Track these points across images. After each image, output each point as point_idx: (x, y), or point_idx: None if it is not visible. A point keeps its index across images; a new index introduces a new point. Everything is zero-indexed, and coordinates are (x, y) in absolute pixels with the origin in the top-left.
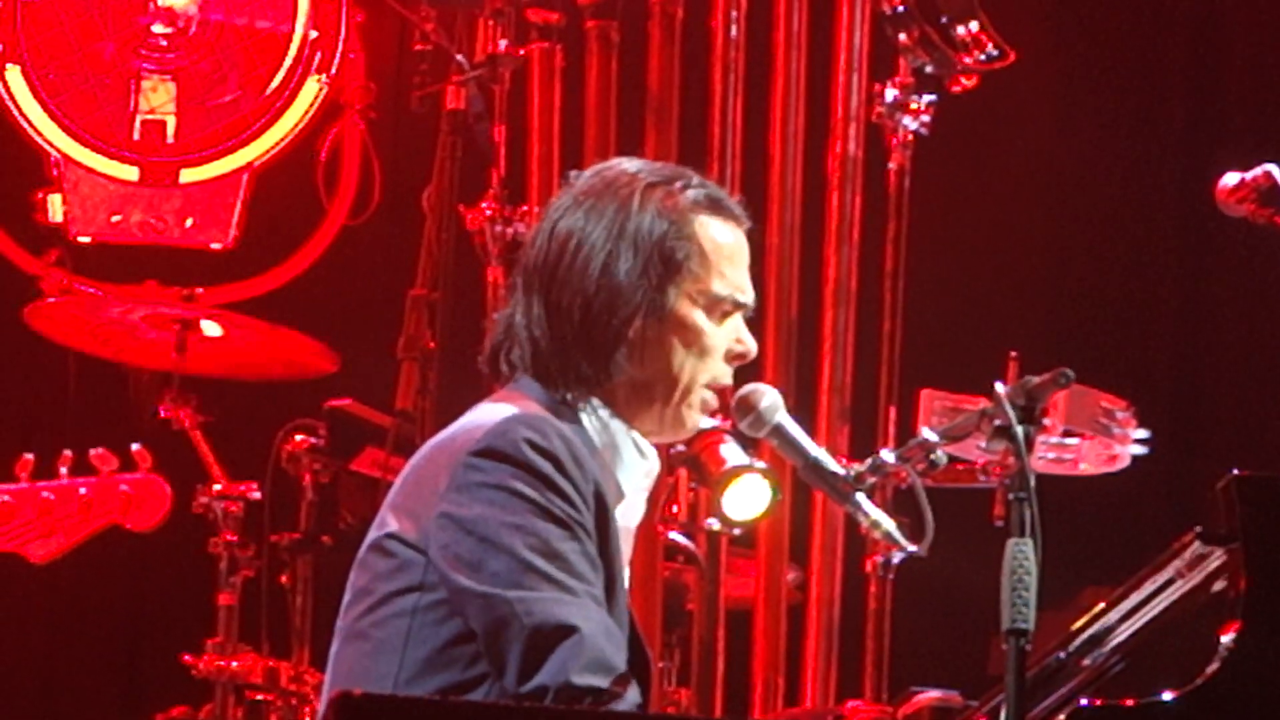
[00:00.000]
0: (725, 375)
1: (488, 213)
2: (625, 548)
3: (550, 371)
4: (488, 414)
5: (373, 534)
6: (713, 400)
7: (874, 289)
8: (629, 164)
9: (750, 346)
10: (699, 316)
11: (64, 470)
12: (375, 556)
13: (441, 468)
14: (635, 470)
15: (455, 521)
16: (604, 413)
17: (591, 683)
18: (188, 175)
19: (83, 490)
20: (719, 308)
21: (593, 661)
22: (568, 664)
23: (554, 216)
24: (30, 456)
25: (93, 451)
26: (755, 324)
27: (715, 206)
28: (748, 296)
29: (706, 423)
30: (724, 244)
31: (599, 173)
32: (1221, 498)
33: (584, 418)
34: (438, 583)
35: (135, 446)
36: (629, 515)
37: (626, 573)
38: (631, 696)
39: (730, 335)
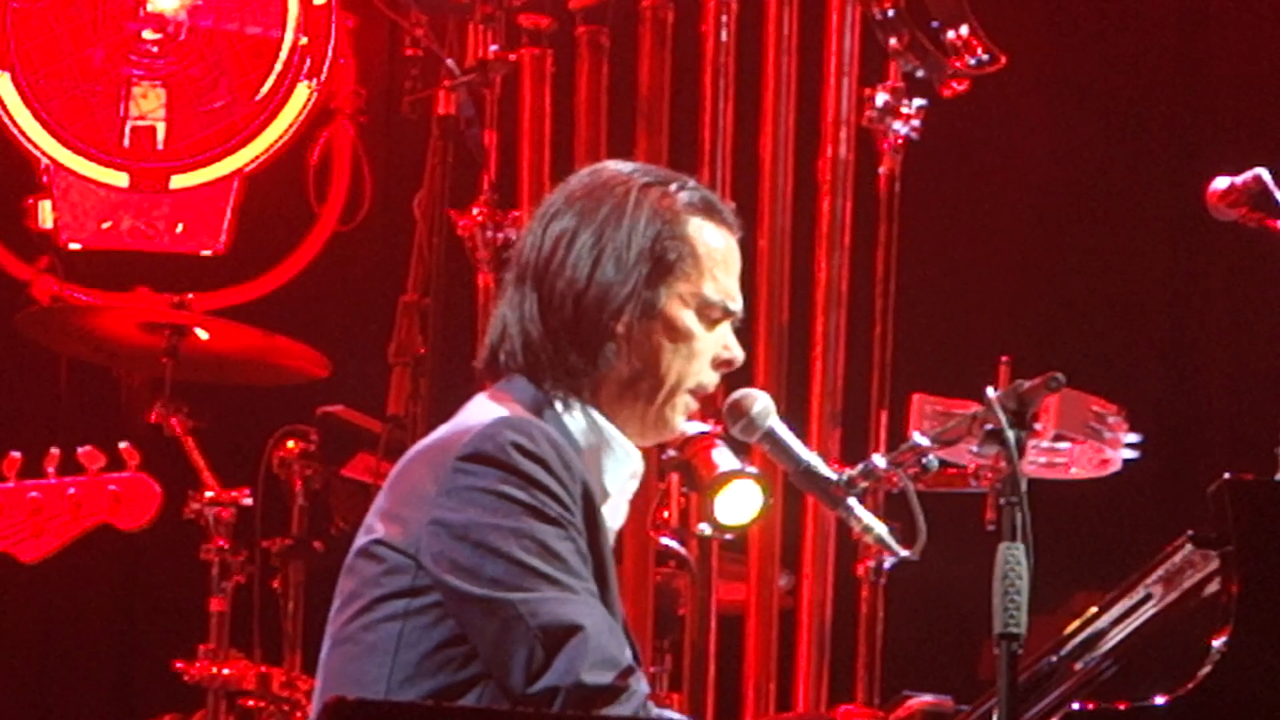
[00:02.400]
0: (711, 381)
1: (479, 218)
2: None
3: (540, 363)
4: (474, 416)
5: (360, 539)
6: (694, 405)
7: (865, 293)
8: (623, 165)
9: (737, 354)
10: (689, 318)
11: (51, 469)
12: (364, 562)
13: (428, 473)
14: (621, 471)
15: (448, 527)
16: (591, 412)
17: (601, 680)
18: (178, 181)
19: (71, 490)
20: (709, 313)
21: (601, 659)
22: (576, 663)
23: (548, 214)
24: (18, 455)
25: (80, 450)
26: (746, 328)
27: (709, 211)
28: (737, 304)
29: (698, 427)
30: (716, 249)
31: (593, 173)
32: (1213, 502)
33: (570, 418)
34: (429, 587)
35: (123, 445)
36: (614, 515)
37: (614, 569)
38: (641, 688)
39: (719, 342)
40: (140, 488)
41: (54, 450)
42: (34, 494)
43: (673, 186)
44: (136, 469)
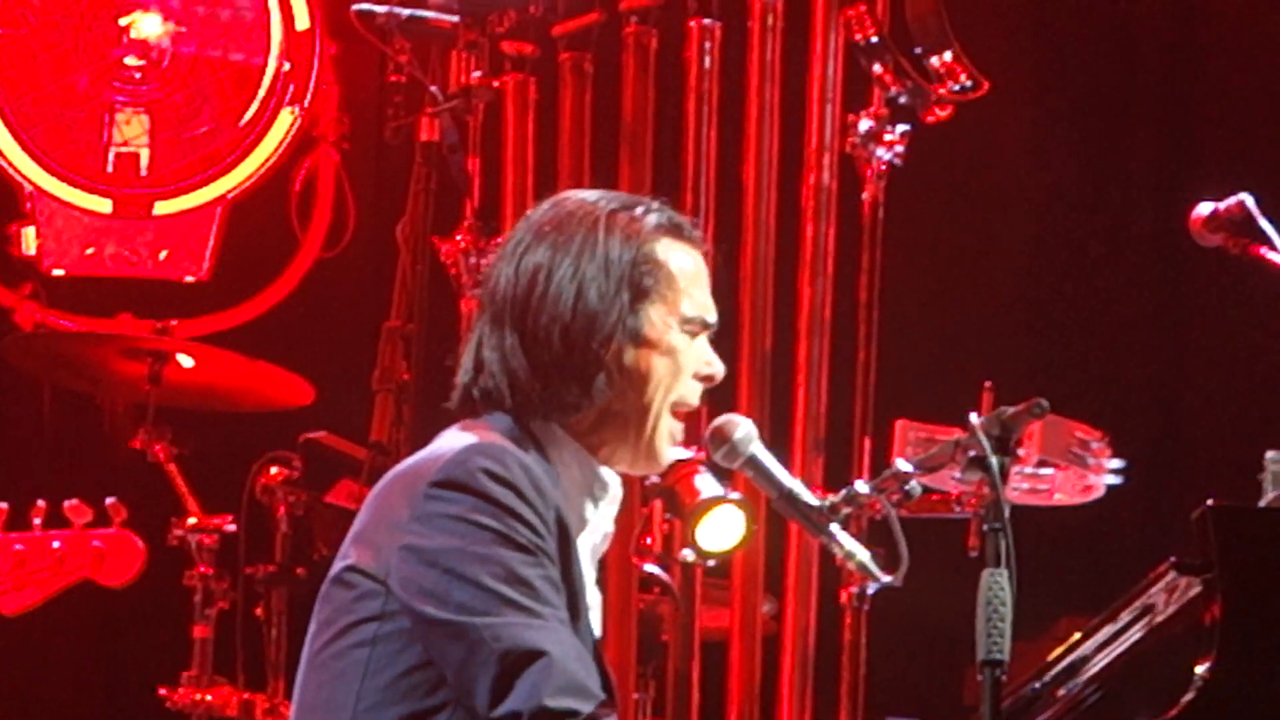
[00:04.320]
0: (693, 395)
1: (462, 244)
2: (590, 574)
3: (532, 401)
4: (447, 444)
5: (335, 566)
6: (679, 431)
7: (848, 319)
8: (584, 194)
9: (718, 367)
10: (673, 336)
11: (37, 521)
12: (337, 589)
13: (401, 499)
14: (599, 498)
15: (417, 553)
16: (568, 441)
17: (566, 705)
18: (161, 208)
19: (55, 544)
20: (689, 328)
21: (566, 684)
22: (540, 687)
23: (518, 251)
24: (4, 506)
25: (67, 503)
26: (730, 354)
27: (676, 231)
28: (714, 316)
29: (681, 454)
30: (688, 267)
31: (556, 204)
32: (1197, 528)
33: (548, 447)
34: (398, 612)
35: (109, 500)
36: (595, 543)
37: (594, 597)
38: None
39: (700, 357)
40: (124, 545)
41: (40, 503)
42: (19, 546)
43: (639, 210)
44: (121, 525)
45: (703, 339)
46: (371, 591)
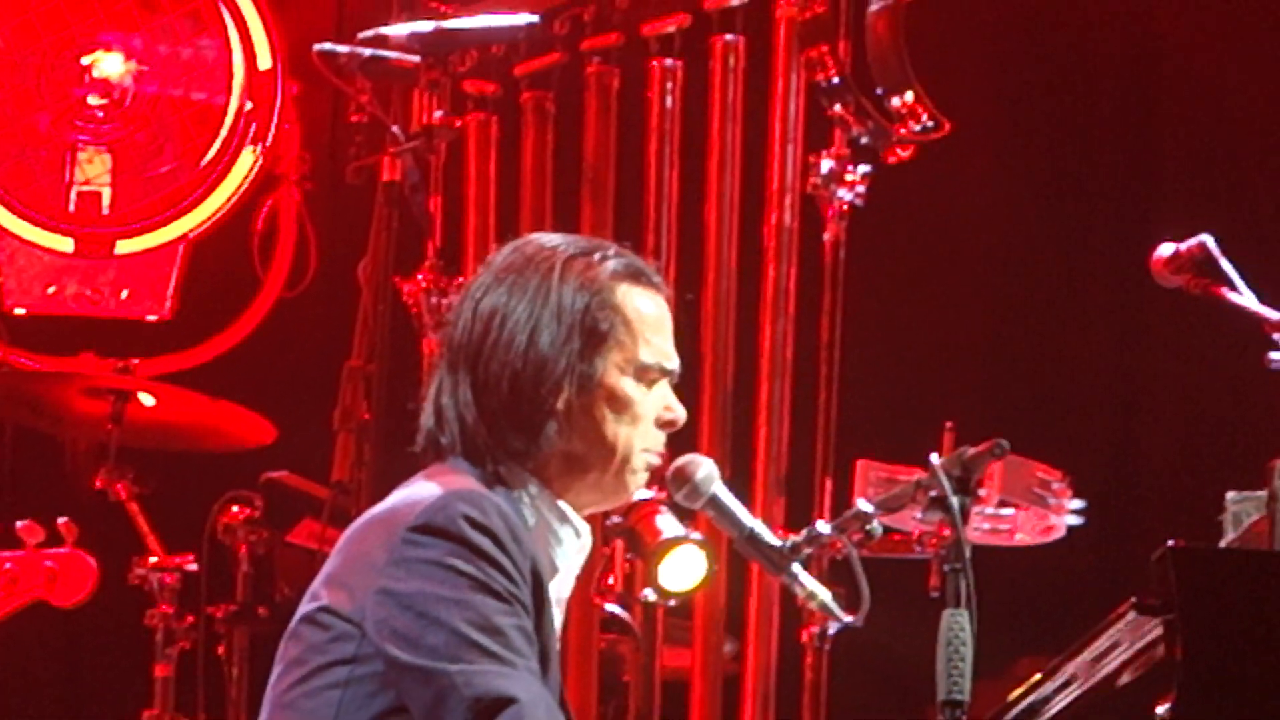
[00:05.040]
0: (658, 443)
1: (424, 284)
2: (557, 622)
3: (479, 448)
4: (424, 490)
5: (305, 606)
6: (656, 461)
7: (810, 360)
8: (546, 238)
9: (679, 413)
10: (628, 385)
11: None
12: (308, 628)
13: (378, 542)
14: (568, 545)
15: (393, 597)
16: (537, 487)
17: None
18: (123, 246)
19: (7, 565)
20: (647, 375)
21: None
22: None
23: (476, 295)
24: None
25: (19, 524)
26: (691, 395)
27: (636, 276)
28: (674, 363)
29: (642, 494)
30: (647, 314)
31: (517, 249)
32: (1157, 569)
33: (518, 493)
34: (372, 655)
35: (61, 520)
36: (561, 589)
37: (557, 649)
38: None
39: (659, 403)
40: (77, 565)
41: None
42: None
43: (597, 256)
44: (74, 545)
45: (663, 385)
46: (346, 634)
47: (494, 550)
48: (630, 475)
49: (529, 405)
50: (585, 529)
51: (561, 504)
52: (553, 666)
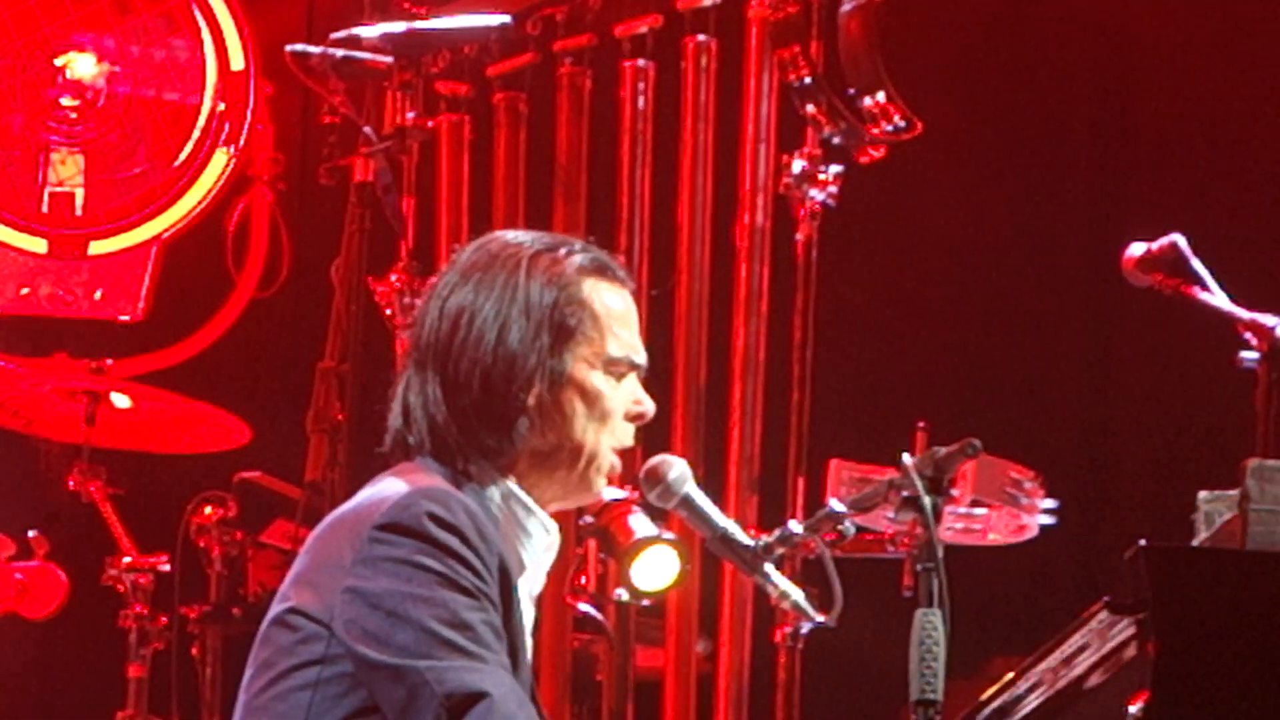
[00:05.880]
0: (627, 437)
1: (397, 284)
2: (528, 618)
3: (449, 447)
4: (390, 488)
5: (275, 608)
6: (619, 465)
7: (782, 360)
8: (511, 235)
9: (648, 406)
10: (597, 379)
11: None
12: (277, 630)
13: (344, 542)
14: (537, 542)
15: (361, 595)
16: (506, 484)
17: None
18: (96, 247)
19: None
20: (615, 369)
21: None
22: None
23: (442, 294)
24: None
25: None
26: (664, 395)
27: (601, 271)
28: (642, 356)
29: (615, 494)
30: (614, 308)
31: (482, 246)
32: (1129, 568)
33: (486, 492)
34: (341, 656)
35: (31, 533)
36: (532, 587)
37: (530, 643)
38: None
39: (628, 397)
40: (47, 578)
41: None
42: None
43: (562, 251)
44: (44, 559)
45: (632, 379)
46: (315, 635)
47: (460, 547)
48: (596, 474)
49: (500, 402)
50: (553, 526)
51: (529, 501)
52: (523, 662)
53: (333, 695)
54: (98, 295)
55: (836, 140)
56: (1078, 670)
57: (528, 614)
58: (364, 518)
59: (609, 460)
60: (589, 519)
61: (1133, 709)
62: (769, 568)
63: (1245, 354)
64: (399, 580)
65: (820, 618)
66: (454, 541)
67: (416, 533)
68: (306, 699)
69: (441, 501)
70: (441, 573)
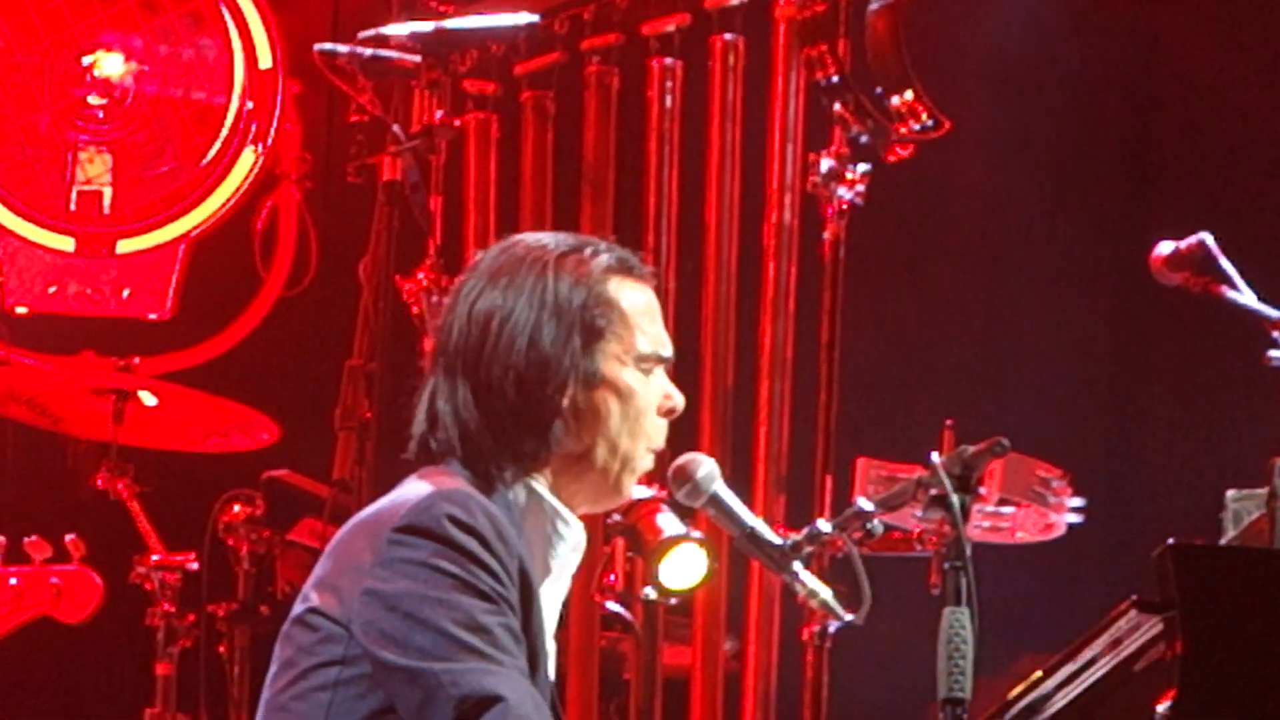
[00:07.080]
0: (660, 436)
1: (424, 283)
2: (550, 623)
3: (482, 452)
4: (412, 490)
5: (297, 608)
6: (650, 463)
7: (810, 359)
8: (534, 238)
9: (678, 399)
10: (629, 375)
11: None
12: (298, 630)
13: (365, 544)
14: (565, 545)
15: (379, 597)
16: (534, 488)
17: None
18: (124, 246)
19: (13, 580)
20: (645, 365)
21: None
22: None
23: (469, 298)
24: None
25: (27, 540)
26: (692, 394)
27: (625, 268)
28: (669, 350)
29: (643, 492)
30: (640, 303)
31: (506, 249)
32: (1157, 566)
33: (512, 494)
34: (360, 657)
35: (69, 537)
36: (555, 591)
37: (551, 648)
38: None
39: (659, 392)
40: (82, 582)
41: (0, 539)
42: None
43: (588, 252)
44: (80, 562)
45: (660, 373)
46: (334, 635)
47: (479, 550)
48: (629, 475)
49: (536, 406)
50: (579, 527)
51: (558, 504)
52: (543, 667)
53: (352, 696)
54: (125, 294)
55: (864, 139)
56: (1106, 669)
57: (550, 619)
58: (385, 520)
59: (643, 462)
60: (617, 517)
61: (1160, 708)
62: (797, 566)
63: (1273, 352)
64: (417, 583)
65: (848, 616)
66: (473, 545)
67: (435, 535)
68: (326, 699)
69: (461, 504)
70: (459, 576)
